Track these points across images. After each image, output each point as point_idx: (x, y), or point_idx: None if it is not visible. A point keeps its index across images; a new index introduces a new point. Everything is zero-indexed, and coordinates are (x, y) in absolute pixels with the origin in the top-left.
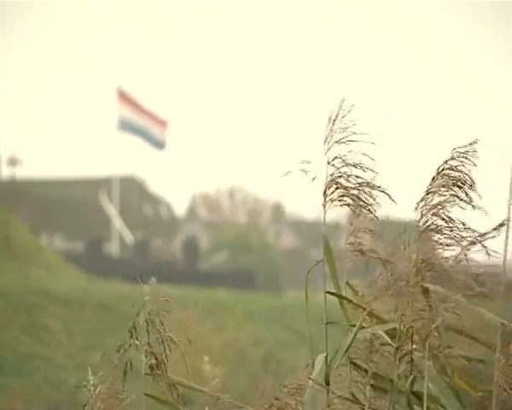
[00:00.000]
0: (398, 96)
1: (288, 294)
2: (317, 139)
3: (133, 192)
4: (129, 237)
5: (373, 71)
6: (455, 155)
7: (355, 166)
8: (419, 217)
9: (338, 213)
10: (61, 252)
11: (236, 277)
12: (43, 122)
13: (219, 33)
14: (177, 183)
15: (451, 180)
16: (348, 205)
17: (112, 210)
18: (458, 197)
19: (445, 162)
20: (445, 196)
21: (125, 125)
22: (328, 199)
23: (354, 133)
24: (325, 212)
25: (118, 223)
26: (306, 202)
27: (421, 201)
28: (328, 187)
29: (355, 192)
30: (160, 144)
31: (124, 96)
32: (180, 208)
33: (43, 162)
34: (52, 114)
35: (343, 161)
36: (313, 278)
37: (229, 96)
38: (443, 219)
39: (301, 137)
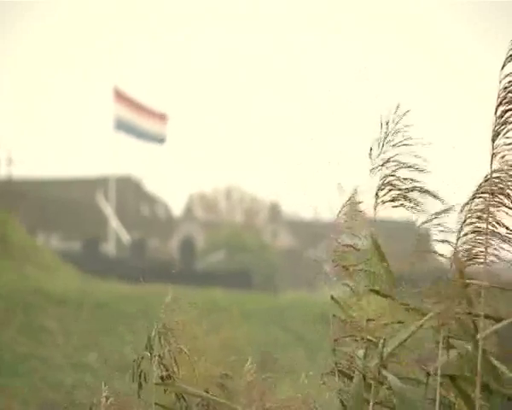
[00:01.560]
0: (398, 96)
1: (284, 294)
2: (319, 139)
3: (130, 192)
4: (126, 237)
5: (373, 71)
6: (502, 165)
7: (409, 168)
8: (463, 220)
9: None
10: (58, 252)
11: (233, 276)
12: (40, 122)
13: (219, 33)
14: (173, 183)
15: (499, 188)
16: (400, 206)
17: (108, 210)
18: (504, 204)
19: (493, 171)
20: (490, 202)
21: (122, 125)
22: (379, 200)
23: (409, 138)
24: (376, 213)
25: (114, 223)
26: (304, 202)
27: (467, 204)
28: (380, 188)
29: (408, 195)
30: (159, 139)
31: (120, 96)
32: (177, 208)
33: (40, 162)
34: (49, 114)
35: (397, 163)
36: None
37: (227, 96)
38: (489, 223)
39: (300, 137)
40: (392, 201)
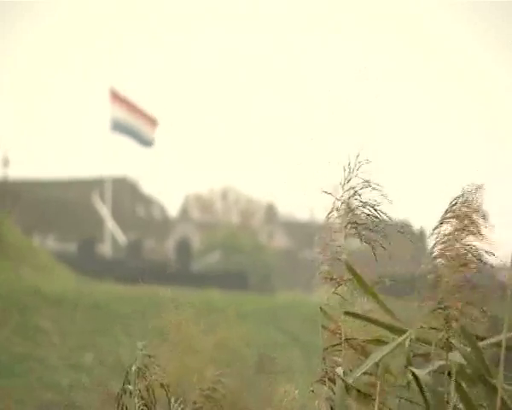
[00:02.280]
0: (398, 97)
1: (280, 294)
2: (319, 139)
3: (126, 193)
4: (121, 238)
5: (373, 71)
6: (465, 192)
7: (373, 208)
8: (433, 243)
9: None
10: (54, 252)
11: (229, 277)
12: (36, 123)
13: (217, 33)
14: (169, 183)
15: (463, 213)
16: (363, 241)
17: (104, 211)
18: (469, 229)
19: (459, 197)
20: (457, 227)
21: (118, 126)
22: (346, 234)
23: (368, 182)
24: (345, 244)
25: (110, 224)
26: (301, 203)
27: (436, 228)
28: (346, 224)
29: (368, 234)
30: (148, 142)
31: (117, 98)
32: (173, 209)
33: (37, 163)
34: (46, 114)
35: (362, 204)
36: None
37: (224, 96)
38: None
39: (300, 137)
40: (356, 235)
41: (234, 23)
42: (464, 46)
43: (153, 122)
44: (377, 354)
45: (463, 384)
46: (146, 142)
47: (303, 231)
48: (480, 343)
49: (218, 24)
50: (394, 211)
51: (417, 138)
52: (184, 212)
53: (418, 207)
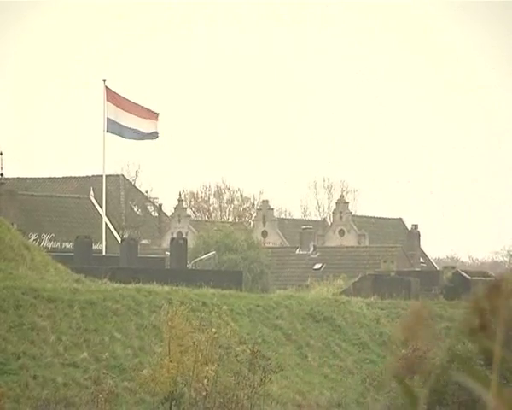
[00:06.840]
0: (398, 97)
1: (274, 292)
2: (319, 139)
3: (121, 191)
4: (117, 236)
5: (373, 71)
6: None
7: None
8: None
9: (326, 213)
10: (49, 251)
11: (224, 275)
12: (31, 121)
13: (215, 32)
14: (165, 181)
15: None
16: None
17: (100, 209)
18: None
19: None
20: None
21: (113, 125)
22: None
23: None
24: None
25: (106, 222)
26: (295, 201)
27: None
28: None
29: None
30: (152, 136)
31: (112, 96)
32: (168, 207)
33: (32, 161)
34: (41, 113)
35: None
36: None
37: (220, 95)
38: None
39: (299, 136)
40: None
41: (232, 23)
42: (464, 47)
43: (153, 115)
44: None
45: None
46: (148, 136)
47: (297, 229)
48: None
49: (215, 23)
50: (390, 209)
51: (416, 138)
52: (180, 210)
53: (412, 206)
